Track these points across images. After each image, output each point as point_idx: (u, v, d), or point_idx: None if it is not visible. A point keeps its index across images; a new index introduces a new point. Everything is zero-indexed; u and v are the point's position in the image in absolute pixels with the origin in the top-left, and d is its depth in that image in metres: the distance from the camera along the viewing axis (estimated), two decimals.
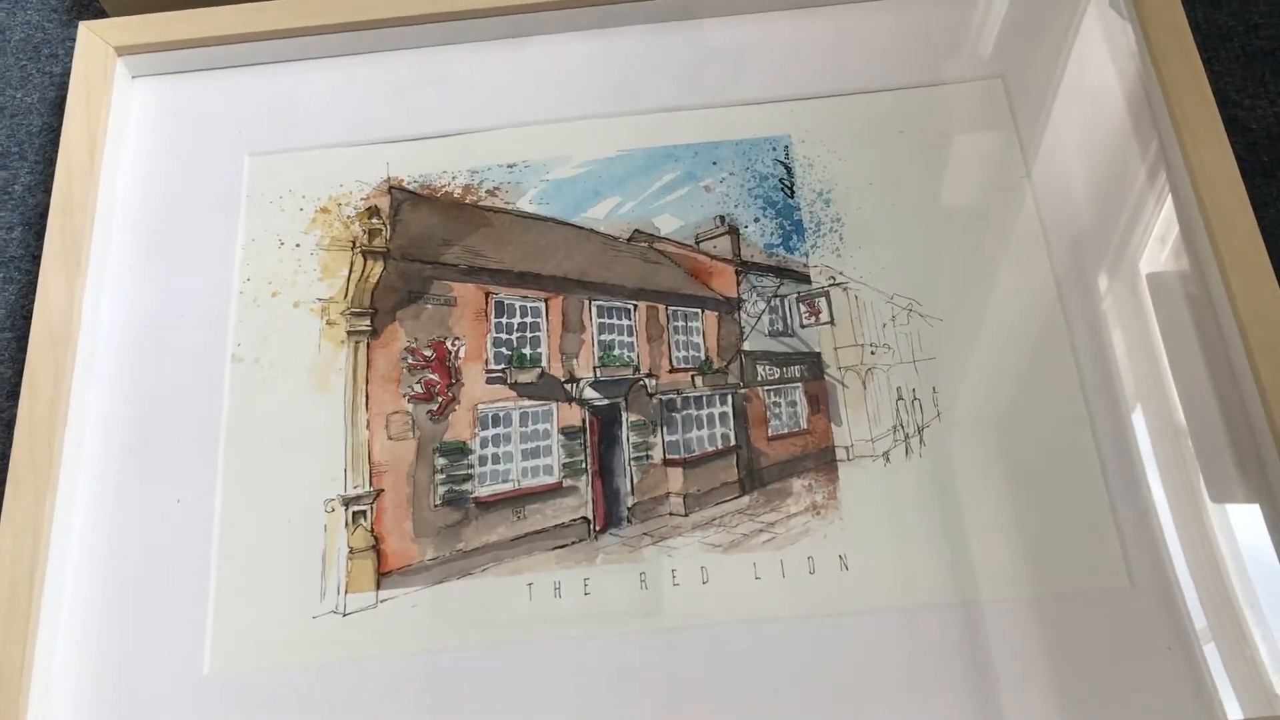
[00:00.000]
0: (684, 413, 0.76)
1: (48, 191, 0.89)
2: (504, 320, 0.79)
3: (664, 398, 0.76)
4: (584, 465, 0.75)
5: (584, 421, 0.76)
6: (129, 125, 0.88)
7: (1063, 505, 0.71)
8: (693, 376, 0.78)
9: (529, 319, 0.79)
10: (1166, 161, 0.80)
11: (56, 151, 0.90)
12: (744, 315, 0.79)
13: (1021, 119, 0.83)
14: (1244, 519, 0.70)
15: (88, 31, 0.88)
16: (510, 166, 0.84)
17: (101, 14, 0.96)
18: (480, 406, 0.76)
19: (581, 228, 0.82)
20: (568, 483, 0.74)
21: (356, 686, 0.69)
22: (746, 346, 0.78)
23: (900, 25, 0.87)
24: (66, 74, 0.95)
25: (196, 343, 0.79)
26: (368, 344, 0.78)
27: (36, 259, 0.87)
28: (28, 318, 0.84)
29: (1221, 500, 0.71)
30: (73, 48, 0.96)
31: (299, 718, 0.68)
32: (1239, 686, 0.66)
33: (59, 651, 0.70)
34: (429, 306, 0.79)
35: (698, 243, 0.81)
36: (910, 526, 0.71)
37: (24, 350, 0.82)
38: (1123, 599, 0.68)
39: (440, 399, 0.76)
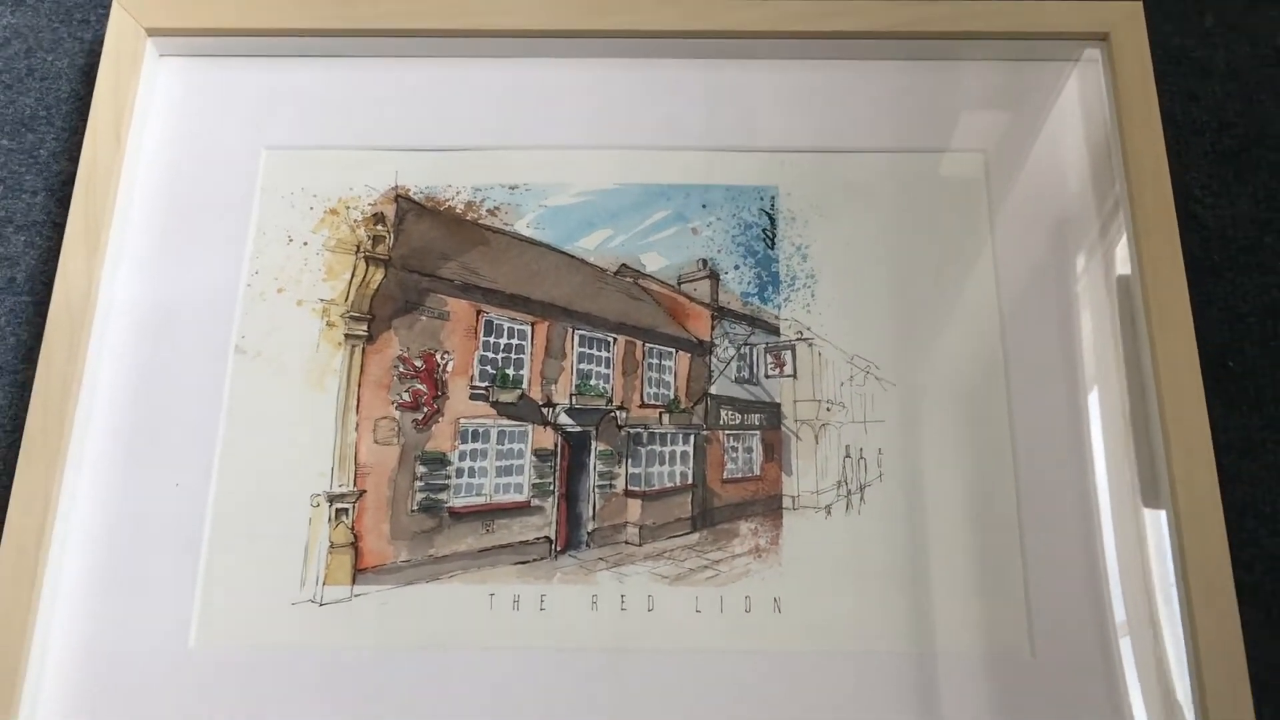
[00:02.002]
0: (649, 448, 0.82)
1: (71, 159, 0.94)
2: (492, 340, 0.85)
3: (632, 431, 0.83)
4: (552, 487, 0.82)
5: (556, 446, 0.83)
6: (154, 106, 0.92)
7: (979, 570, 0.78)
8: (660, 413, 0.84)
9: (515, 341, 0.85)
10: (1130, 251, 0.85)
11: (82, 119, 0.94)
12: (714, 360, 0.85)
13: (994, 196, 0.88)
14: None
15: (120, 10, 0.92)
16: (512, 188, 0.89)
17: None
18: (462, 420, 0.82)
19: (573, 257, 0.87)
20: (535, 502, 0.81)
21: (328, 670, 0.76)
22: (713, 390, 0.84)
23: (897, 89, 0.92)
24: (96, 40, 0.98)
25: (203, 331, 0.85)
26: (363, 349, 0.84)
27: (57, 225, 0.92)
28: (46, 283, 0.89)
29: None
30: (103, 15, 0.99)
31: (274, 693, 0.75)
32: None
33: (58, 613, 0.77)
34: (423, 318, 0.85)
35: (679, 284, 0.86)
36: (841, 577, 0.78)
37: (41, 315, 0.88)
38: (1023, 666, 0.75)
39: (426, 409, 0.82)
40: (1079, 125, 0.91)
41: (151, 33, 0.92)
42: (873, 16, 0.91)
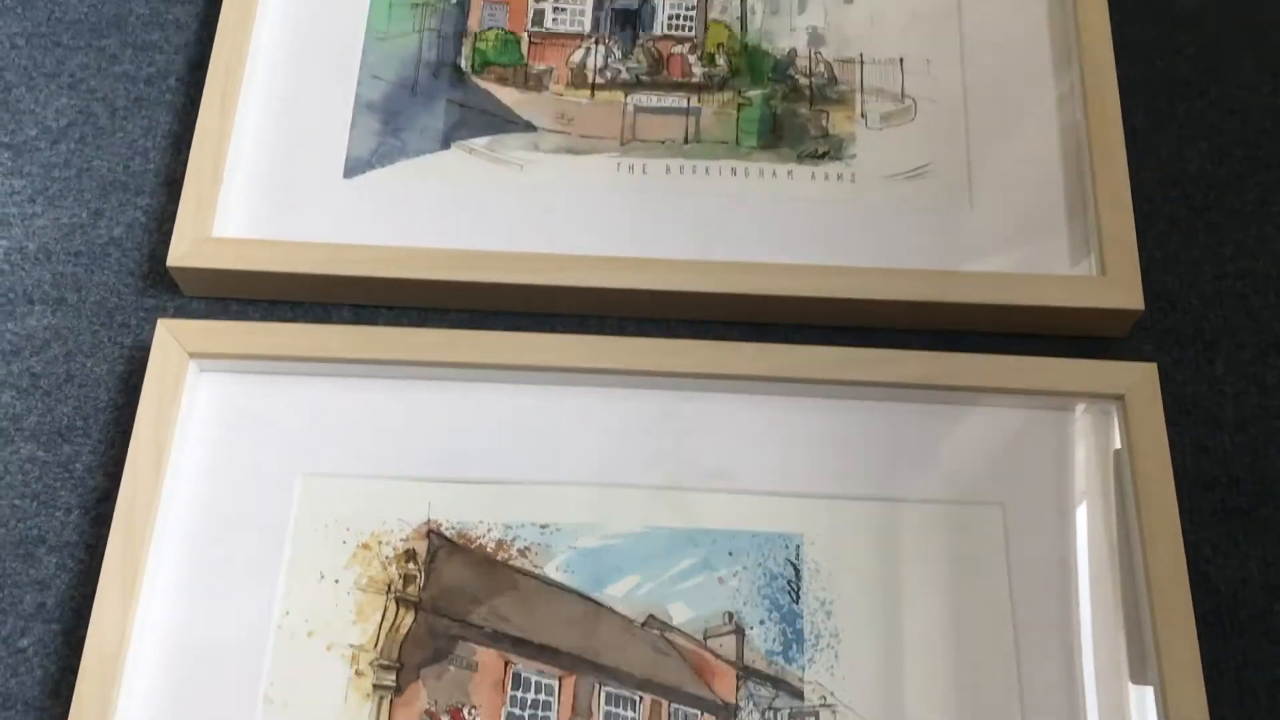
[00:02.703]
0: None
1: (107, 474, 0.95)
2: (519, 694, 0.86)
3: None
4: None
5: None
6: (193, 426, 0.94)
7: None
8: None
9: (542, 696, 0.86)
10: (1138, 617, 0.88)
11: (119, 430, 0.96)
12: None
13: (1013, 550, 0.91)
14: None
15: (165, 333, 0.94)
16: (543, 527, 0.90)
17: (175, 286, 1.02)
18: None
19: (601, 605, 0.88)
20: None
21: None
22: None
23: (919, 436, 0.94)
24: (136, 347, 1.00)
25: (234, 677, 0.85)
26: (391, 700, 0.85)
27: (90, 546, 0.92)
28: (75, 610, 0.90)
29: None
30: (144, 318, 1.02)
31: None
32: None
33: None
34: (451, 668, 0.86)
35: (705, 638, 0.88)
36: None
37: (69, 646, 0.88)
38: None
39: None
40: (1095, 476, 0.93)
41: (194, 355, 0.94)
42: (897, 367, 0.94)
